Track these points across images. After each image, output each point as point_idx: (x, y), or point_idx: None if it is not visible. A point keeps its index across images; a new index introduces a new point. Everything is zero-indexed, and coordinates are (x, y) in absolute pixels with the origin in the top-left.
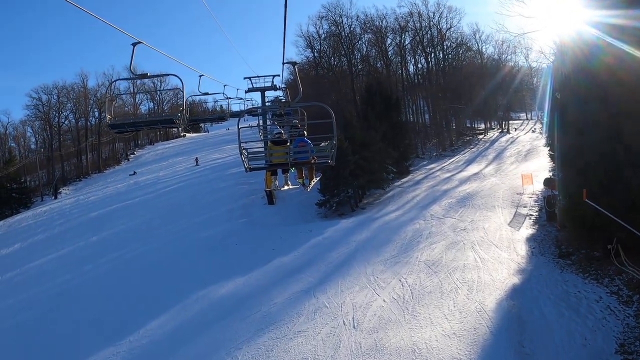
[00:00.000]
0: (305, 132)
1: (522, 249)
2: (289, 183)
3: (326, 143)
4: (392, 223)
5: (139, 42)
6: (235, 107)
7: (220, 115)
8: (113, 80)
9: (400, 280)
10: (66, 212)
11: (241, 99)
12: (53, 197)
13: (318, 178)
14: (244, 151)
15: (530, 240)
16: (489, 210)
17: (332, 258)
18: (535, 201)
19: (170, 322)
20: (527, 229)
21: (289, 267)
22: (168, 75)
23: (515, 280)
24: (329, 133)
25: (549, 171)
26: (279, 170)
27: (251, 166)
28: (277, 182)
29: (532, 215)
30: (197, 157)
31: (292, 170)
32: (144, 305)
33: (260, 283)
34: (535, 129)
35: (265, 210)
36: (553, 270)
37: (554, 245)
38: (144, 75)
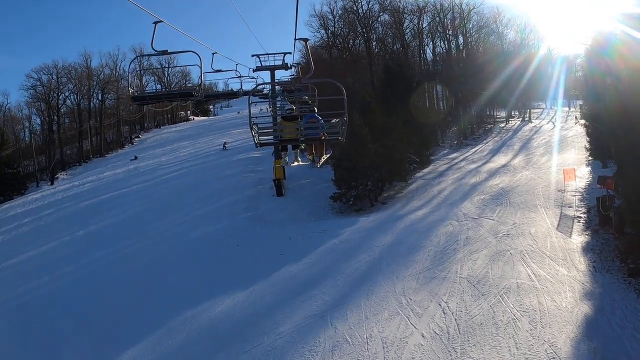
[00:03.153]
0: (315, 109)
1: (582, 263)
2: (299, 160)
3: (337, 120)
4: (420, 224)
5: (160, 21)
6: (247, 87)
7: (231, 91)
8: (137, 55)
9: (440, 305)
10: (57, 200)
11: (253, 78)
12: (49, 183)
13: (328, 154)
14: (254, 126)
15: (587, 250)
16: (530, 210)
17: (351, 269)
18: (581, 200)
19: (147, 355)
20: (579, 236)
21: (299, 279)
22: (187, 52)
23: (586, 308)
24: (340, 110)
25: (587, 165)
26: (289, 147)
27: (261, 141)
28: (287, 158)
29: (580, 217)
30: (225, 142)
31: (303, 146)
32: (120, 327)
33: (264, 302)
34: (556, 118)
35: (273, 202)
36: (627, 294)
37: (618, 259)
38: (164, 52)
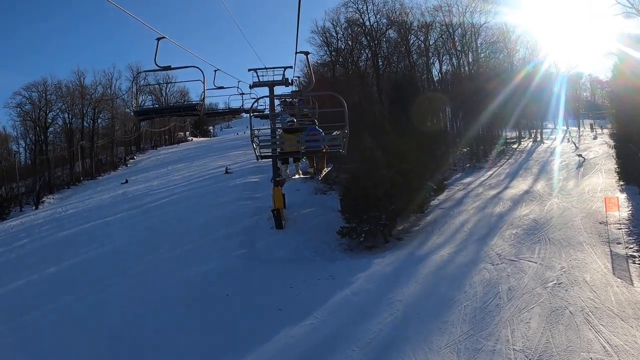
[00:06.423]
0: (316, 121)
1: None
2: (300, 172)
3: (338, 132)
4: (448, 268)
5: (162, 37)
6: (248, 105)
7: (234, 109)
8: (139, 71)
9: None
10: (35, 228)
11: (254, 95)
12: (34, 208)
13: (329, 168)
14: (255, 139)
15: None
16: (575, 248)
17: (369, 334)
18: (629, 235)
19: None
20: None
21: (302, 349)
22: (190, 67)
23: None
24: (341, 122)
25: (621, 191)
26: (290, 160)
27: (262, 154)
28: (287, 170)
29: (634, 257)
30: (227, 167)
31: (304, 159)
32: None
33: None
34: (570, 138)
35: (271, 236)
36: None
37: None
38: (167, 67)
